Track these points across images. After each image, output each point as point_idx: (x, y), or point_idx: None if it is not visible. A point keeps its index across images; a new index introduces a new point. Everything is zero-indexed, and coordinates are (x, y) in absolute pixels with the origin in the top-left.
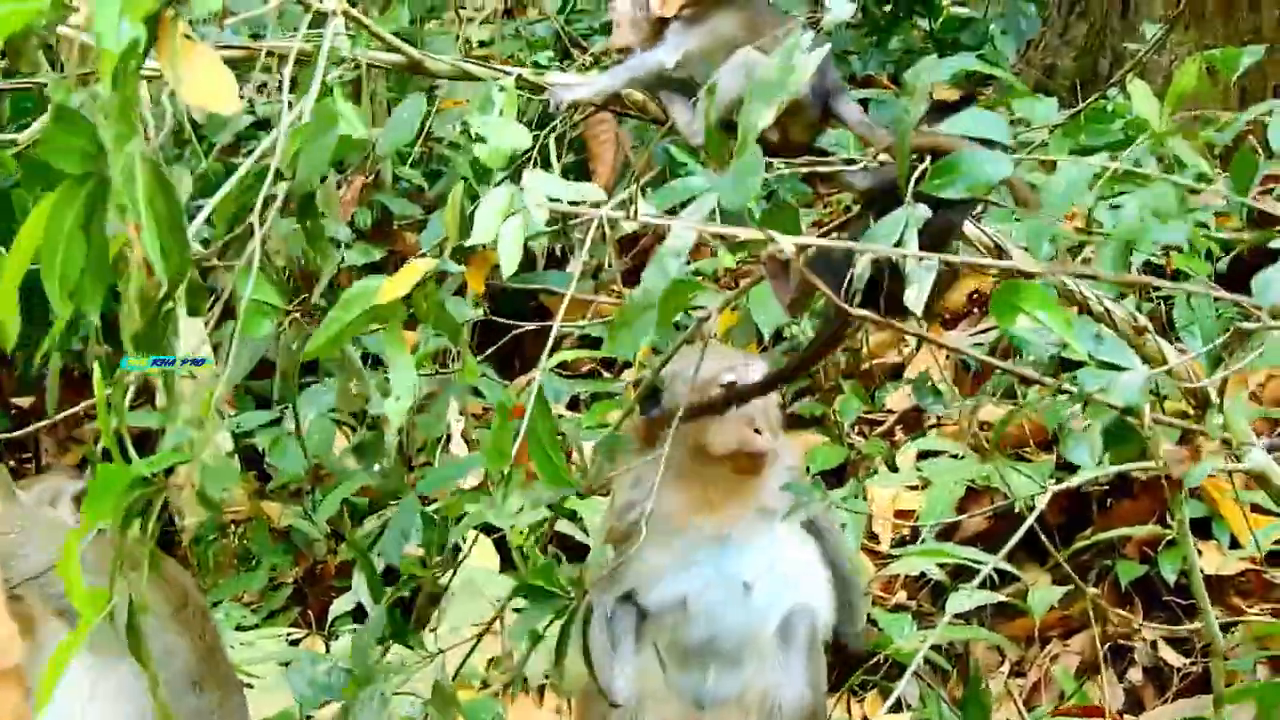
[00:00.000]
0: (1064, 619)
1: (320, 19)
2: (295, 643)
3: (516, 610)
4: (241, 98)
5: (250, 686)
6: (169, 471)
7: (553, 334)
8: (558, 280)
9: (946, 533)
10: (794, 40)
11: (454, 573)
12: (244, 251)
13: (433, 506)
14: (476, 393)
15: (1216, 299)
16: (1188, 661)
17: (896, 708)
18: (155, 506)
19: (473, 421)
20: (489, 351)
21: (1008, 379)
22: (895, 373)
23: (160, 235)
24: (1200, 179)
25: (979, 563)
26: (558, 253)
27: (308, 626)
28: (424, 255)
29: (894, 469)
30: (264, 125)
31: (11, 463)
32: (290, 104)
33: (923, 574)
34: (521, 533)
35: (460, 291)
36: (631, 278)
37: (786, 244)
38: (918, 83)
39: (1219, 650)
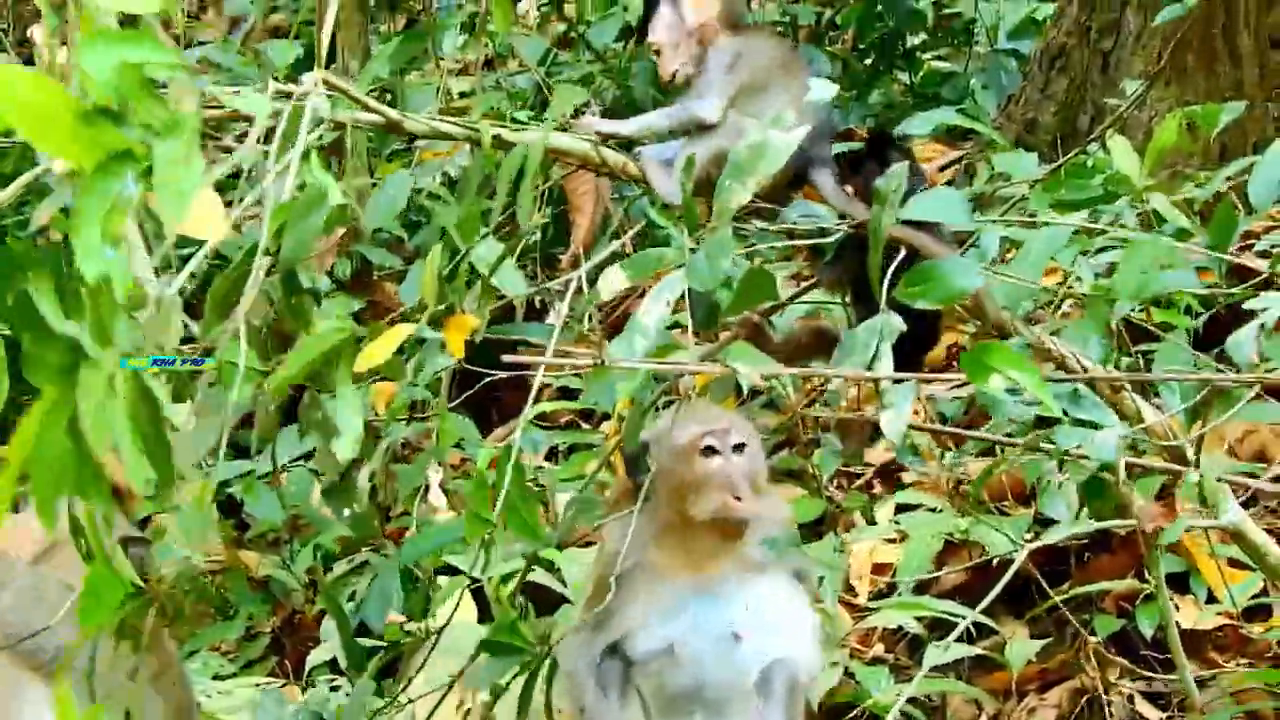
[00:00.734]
0: (1041, 672)
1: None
2: (272, 692)
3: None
4: (226, 151)
5: None
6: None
7: (535, 386)
8: (536, 332)
9: (924, 586)
10: (778, 116)
11: (438, 636)
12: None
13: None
14: (456, 443)
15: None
16: (1164, 716)
17: None
18: (148, 617)
19: (451, 472)
20: (463, 396)
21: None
22: (874, 427)
23: (144, 446)
24: (1180, 235)
25: (957, 616)
26: (536, 304)
27: (285, 676)
28: (403, 312)
29: (872, 522)
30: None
31: None
32: (271, 158)
33: (900, 627)
34: (499, 584)
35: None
36: (615, 329)
37: (749, 373)
38: (888, 189)
39: (1195, 705)
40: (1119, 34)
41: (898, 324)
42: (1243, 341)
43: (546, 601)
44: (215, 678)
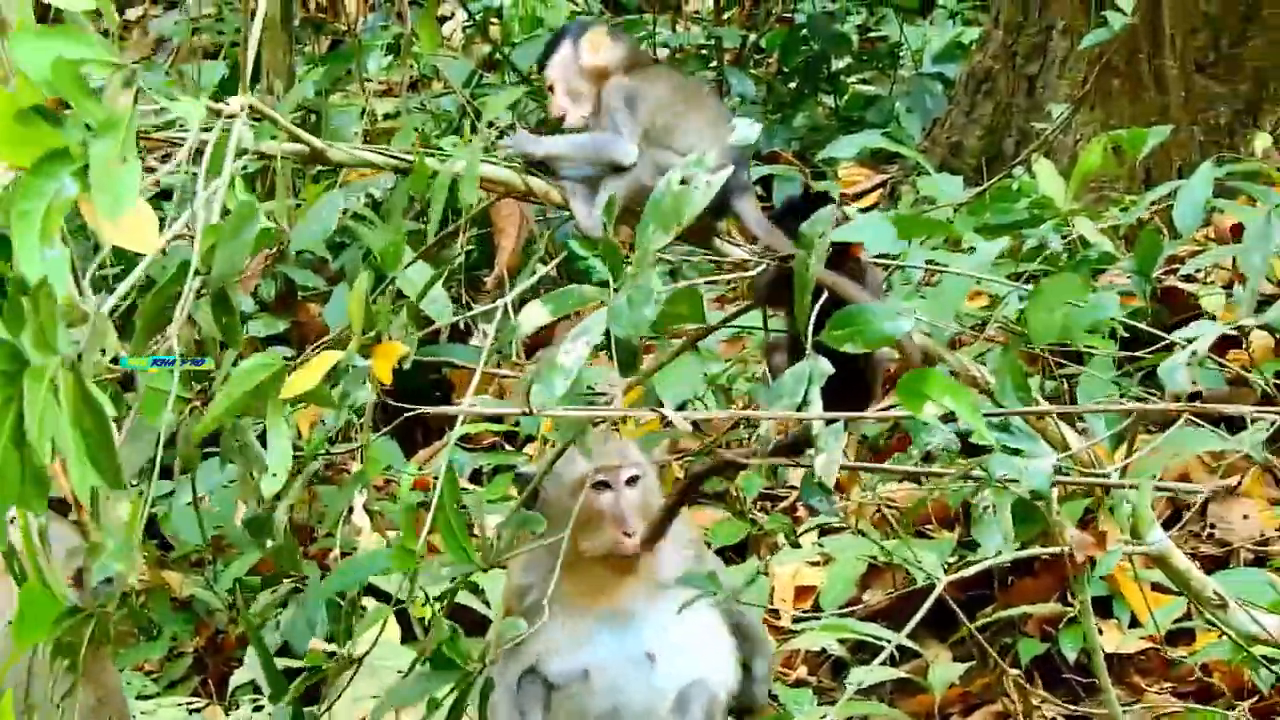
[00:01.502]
0: (964, 695)
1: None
2: (195, 712)
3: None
4: (150, 170)
5: None
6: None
7: (463, 413)
8: (461, 354)
9: (848, 609)
10: (698, 157)
11: (360, 662)
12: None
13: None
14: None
15: (1119, 377)
16: None
17: None
18: (85, 636)
19: (375, 493)
20: (392, 425)
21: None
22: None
23: (89, 452)
24: (1105, 258)
25: (881, 639)
26: (461, 324)
27: (208, 696)
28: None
29: (796, 545)
30: (167, 195)
31: None
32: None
33: (824, 650)
34: (424, 605)
35: None
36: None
37: (679, 419)
38: (814, 234)
39: None
40: (1044, 58)
41: (826, 368)
42: (1174, 369)
43: (469, 620)
44: (139, 698)
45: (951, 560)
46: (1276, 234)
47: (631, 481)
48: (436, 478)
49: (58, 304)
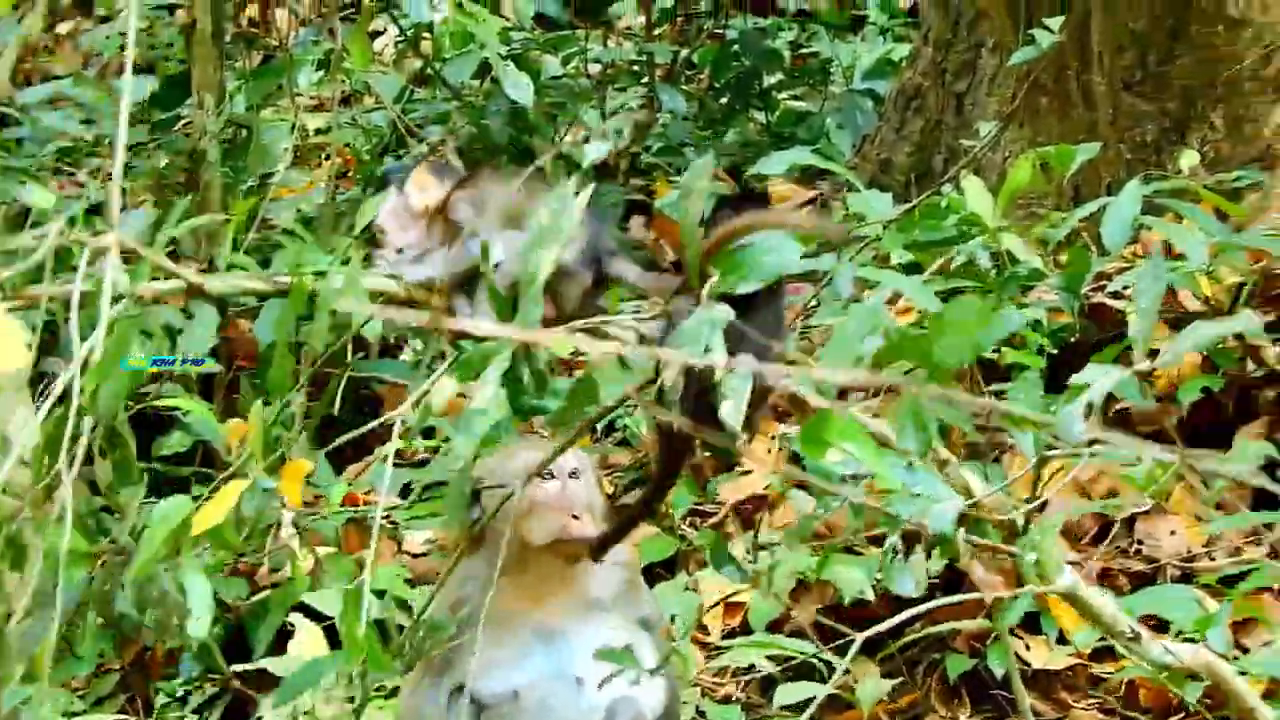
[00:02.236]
0: (892, 712)
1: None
2: None
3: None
4: None
5: None
6: None
7: (396, 430)
8: (390, 368)
9: (776, 625)
10: (559, 193)
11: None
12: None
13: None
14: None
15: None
16: None
17: None
18: None
19: (302, 509)
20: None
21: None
22: (727, 465)
23: None
24: (1033, 275)
25: (808, 655)
26: (391, 339)
27: (135, 713)
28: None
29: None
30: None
31: None
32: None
33: (752, 666)
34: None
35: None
36: None
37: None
38: (694, 185)
39: None
40: (974, 75)
41: (724, 312)
42: (1071, 421)
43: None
44: (65, 715)
45: (879, 576)
46: (1164, 276)
47: (574, 474)
48: (369, 491)
49: None
